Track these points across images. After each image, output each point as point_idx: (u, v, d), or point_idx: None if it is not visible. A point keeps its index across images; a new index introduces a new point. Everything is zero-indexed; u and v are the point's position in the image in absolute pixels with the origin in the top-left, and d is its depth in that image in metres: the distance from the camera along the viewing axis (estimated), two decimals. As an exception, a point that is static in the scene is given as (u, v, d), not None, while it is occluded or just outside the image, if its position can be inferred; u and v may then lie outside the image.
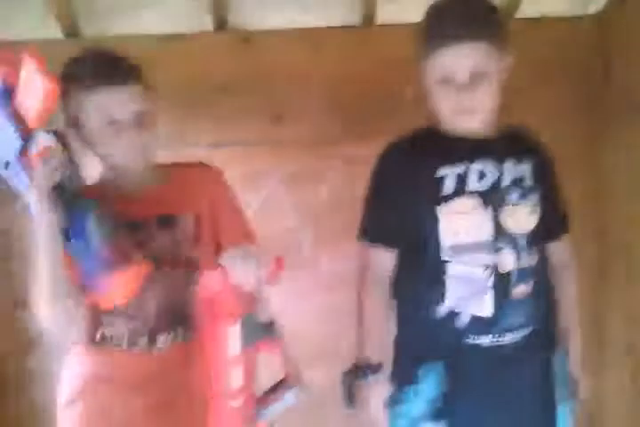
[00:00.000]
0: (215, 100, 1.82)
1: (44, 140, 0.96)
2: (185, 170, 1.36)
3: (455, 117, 1.28)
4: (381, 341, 1.35)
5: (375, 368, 1.30)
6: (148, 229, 1.25)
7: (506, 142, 1.35)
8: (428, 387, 1.27)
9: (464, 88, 1.23)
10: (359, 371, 1.31)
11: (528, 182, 1.33)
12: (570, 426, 1.38)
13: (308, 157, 1.85)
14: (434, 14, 1.29)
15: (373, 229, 1.38)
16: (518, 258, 1.30)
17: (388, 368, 1.34)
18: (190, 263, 1.28)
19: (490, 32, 1.24)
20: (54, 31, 1.82)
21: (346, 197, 1.83)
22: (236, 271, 1.00)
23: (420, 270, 1.33)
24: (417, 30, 1.29)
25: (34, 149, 0.96)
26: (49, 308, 1.07)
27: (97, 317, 1.22)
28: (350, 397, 1.32)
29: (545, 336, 1.40)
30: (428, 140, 1.35)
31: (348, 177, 1.85)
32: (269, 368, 1.11)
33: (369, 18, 1.89)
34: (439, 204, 1.28)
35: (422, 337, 1.35)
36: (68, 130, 1.17)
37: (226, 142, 1.82)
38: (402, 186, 1.32)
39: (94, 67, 1.16)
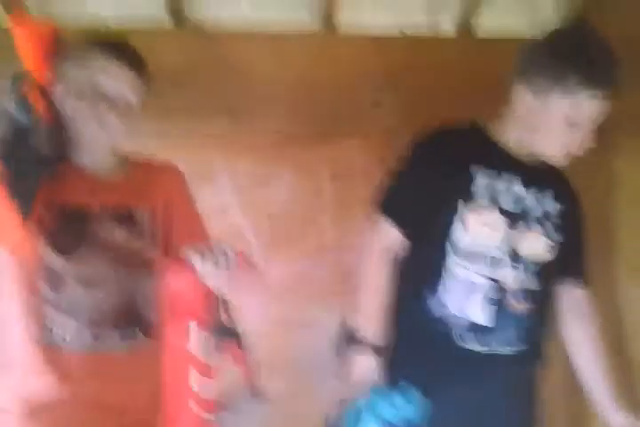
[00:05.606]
0: (167, 92, 1.74)
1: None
2: (146, 165, 1.33)
3: (559, 153, 1.31)
4: (379, 311, 1.34)
5: (361, 341, 1.30)
6: (104, 221, 1.19)
7: (547, 175, 1.39)
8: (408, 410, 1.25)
9: (583, 131, 1.26)
10: (349, 337, 1.31)
11: (556, 220, 1.38)
12: None
13: (261, 158, 1.80)
14: (576, 45, 1.25)
15: (390, 204, 1.38)
16: (522, 279, 1.33)
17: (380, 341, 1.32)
18: (146, 260, 1.22)
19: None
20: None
21: (296, 201, 1.82)
22: (204, 269, 0.95)
23: (425, 261, 1.34)
24: (535, 49, 1.29)
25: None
26: None
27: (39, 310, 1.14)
28: (340, 350, 1.33)
29: (535, 358, 1.43)
30: (473, 138, 1.37)
31: (300, 180, 1.83)
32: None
33: (328, 20, 1.85)
34: (464, 199, 1.30)
35: (415, 329, 1.35)
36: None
37: (176, 134, 1.74)
38: (434, 173, 1.32)
39: None
